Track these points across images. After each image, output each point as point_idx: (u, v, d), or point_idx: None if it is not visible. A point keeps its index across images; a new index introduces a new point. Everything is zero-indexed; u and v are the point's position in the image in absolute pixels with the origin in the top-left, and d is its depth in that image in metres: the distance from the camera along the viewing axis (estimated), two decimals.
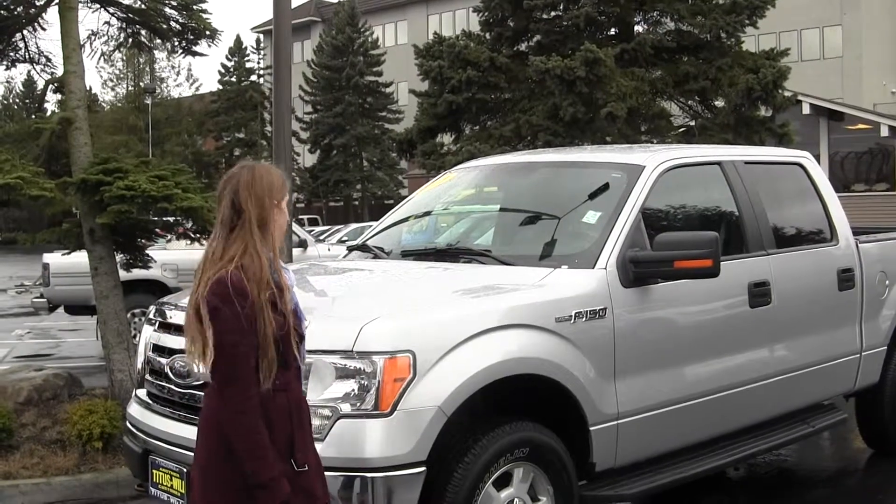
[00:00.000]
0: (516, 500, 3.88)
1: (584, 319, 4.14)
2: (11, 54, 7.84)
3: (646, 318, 4.45)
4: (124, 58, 49.21)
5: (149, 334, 4.37)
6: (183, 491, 3.83)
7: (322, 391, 3.53)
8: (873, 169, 25.94)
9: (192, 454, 3.69)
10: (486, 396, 3.78)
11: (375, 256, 5.25)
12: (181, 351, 3.71)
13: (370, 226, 6.98)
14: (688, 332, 4.71)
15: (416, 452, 3.56)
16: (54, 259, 10.78)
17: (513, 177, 5.70)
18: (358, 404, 3.53)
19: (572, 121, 14.99)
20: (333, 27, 47.94)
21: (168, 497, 3.93)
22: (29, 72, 56.78)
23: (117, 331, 6.99)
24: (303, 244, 12.23)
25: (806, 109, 23.70)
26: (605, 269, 4.32)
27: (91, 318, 10.61)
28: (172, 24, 7.93)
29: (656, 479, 4.47)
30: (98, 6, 7.72)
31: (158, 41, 8.49)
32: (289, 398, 2.87)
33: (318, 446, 3.11)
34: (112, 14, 7.85)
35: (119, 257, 7.23)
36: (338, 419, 3.52)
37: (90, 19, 31.24)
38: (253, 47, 52.54)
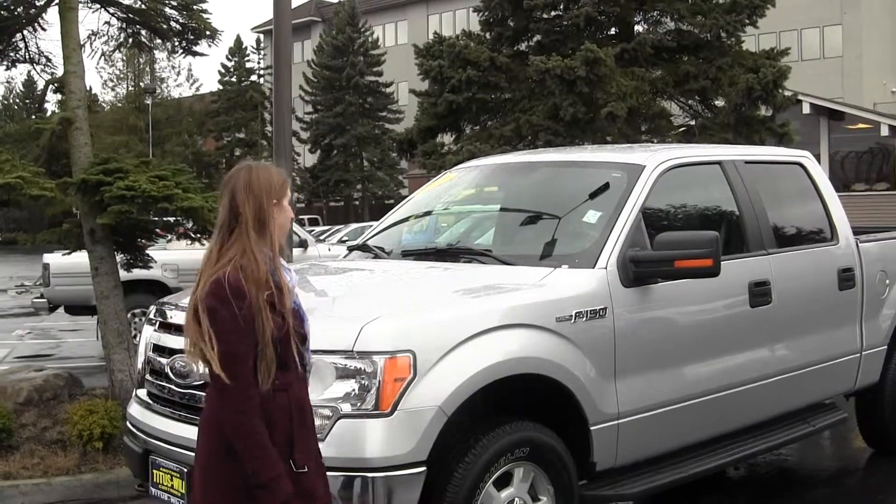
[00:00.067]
0: (517, 499, 3.88)
1: (584, 319, 4.14)
2: (12, 54, 7.84)
3: (646, 318, 4.45)
4: (124, 58, 49.23)
5: (149, 334, 4.37)
6: (183, 491, 3.83)
7: (322, 391, 3.52)
8: (873, 168, 25.93)
9: (192, 454, 3.70)
10: (486, 396, 3.78)
11: (376, 256, 5.25)
12: (181, 351, 3.71)
13: (370, 226, 6.98)
14: (688, 331, 4.71)
15: (416, 452, 3.56)
16: (55, 259, 10.79)
17: (513, 176, 5.70)
18: (358, 404, 3.53)
19: (572, 120, 15.00)
20: (334, 27, 47.94)
21: (168, 497, 3.93)
22: (29, 72, 56.87)
23: (118, 331, 6.99)
24: (303, 244, 12.22)
25: (806, 109, 23.70)
26: (606, 268, 4.32)
27: (91, 318, 10.61)
28: (172, 24, 7.93)
29: (657, 478, 4.47)
30: (98, 6, 7.72)
31: (158, 41, 8.49)
32: (290, 398, 2.86)
33: (319, 446, 3.11)
34: (112, 14, 7.85)
35: (119, 257, 7.23)
36: (338, 419, 3.52)
37: (90, 19, 31.27)
38: (253, 47, 52.59)
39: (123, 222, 6.63)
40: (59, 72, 7.47)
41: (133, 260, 7.40)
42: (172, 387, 4.05)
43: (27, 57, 7.92)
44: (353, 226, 25.68)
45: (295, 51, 46.49)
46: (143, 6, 7.82)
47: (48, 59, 7.99)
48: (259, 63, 52.27)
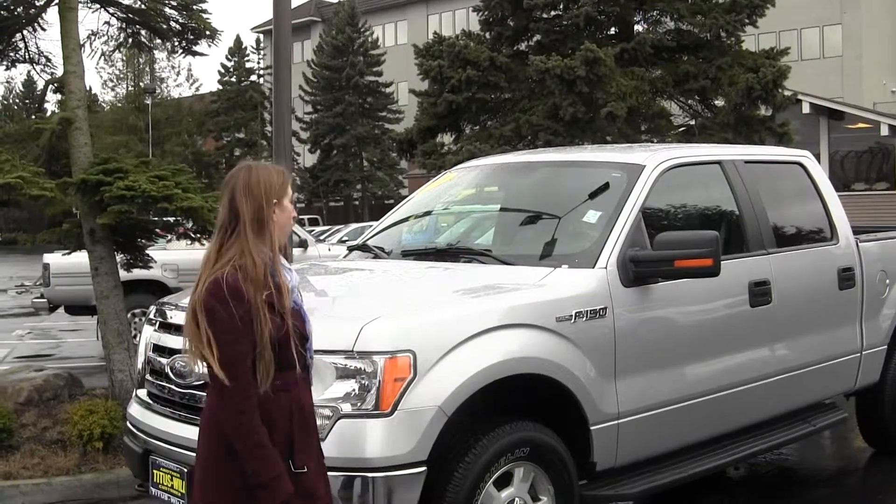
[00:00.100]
0: (517, 499, 3.88)
1: (584, 319, 4.14)
2: (11, 54, 7.84)
3: (646, 318, 4.45)
4: (124, 58, 49.26)
5: (149, 334, 4.37)
6: (183, 491, 3.83)
7: (323, 391, 3.52)
8: (873, 168, 25.93)
9: (192, 454, 3.70)
10: (486, 396, 3.78)
11: (376, 256, 5.25)
12: (181, 351, 3.70)
13: (370, 226, 6.98)
14: (688, 331, 4.71)
15: (416, 452, 3.56)
16: (55, 259, 10.79)
17: (513, 176, 5.70)
18: (358, 404, 3.53)
19: (572, 120, 15.00)
20: (333, 27, 47.93)
21: (168, 497, 3.93)
22: (29, 72, 56.86)
23: (118, 331, 6.99)
24: (303, 244, 12.23)
25: (806, 109, 23.70)
26: (606, 268, 4.32)
27: (91, 318, 10.61)
28: (172, 24, 7.93)
29: (657, 478, 4.47)
30: (98, 6, 7.71)
31: (158, 41, 8.49)
32: (291, 399, 2.86)
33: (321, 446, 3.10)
34: (112, 14, 7.85)
35: (119, 257, 7.22)
36: (338, 419, 3.52)
37: (90, 19, 31.26)
38: (253, 47, 52.60)
39: (123, 222, 6.63)
40: (59, 72, 7.47)
41: (133, 260, 7.40)
42: (172, 387, 4.05)
43: (27, 57, 7.92)
44: (353, 226, 25.69)
45: (295, 51, 46.49)
46: (143, 6, 7.82)
47: (48, 59, 7.99)
48: (259, 63, 52.30)
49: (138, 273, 8.13)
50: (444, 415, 3.60)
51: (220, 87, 51.56)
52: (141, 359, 4.46)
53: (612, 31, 16.82)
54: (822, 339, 5.49)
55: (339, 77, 46.44)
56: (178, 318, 4.10)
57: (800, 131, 17.28)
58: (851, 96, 33.51)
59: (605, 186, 4.82)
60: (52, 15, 7.38)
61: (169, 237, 8.83)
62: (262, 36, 52.70)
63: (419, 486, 3.58)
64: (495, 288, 4.16)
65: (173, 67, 55.89)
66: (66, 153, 7.14)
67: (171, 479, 3.91)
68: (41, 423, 6.55)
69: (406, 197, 6.40)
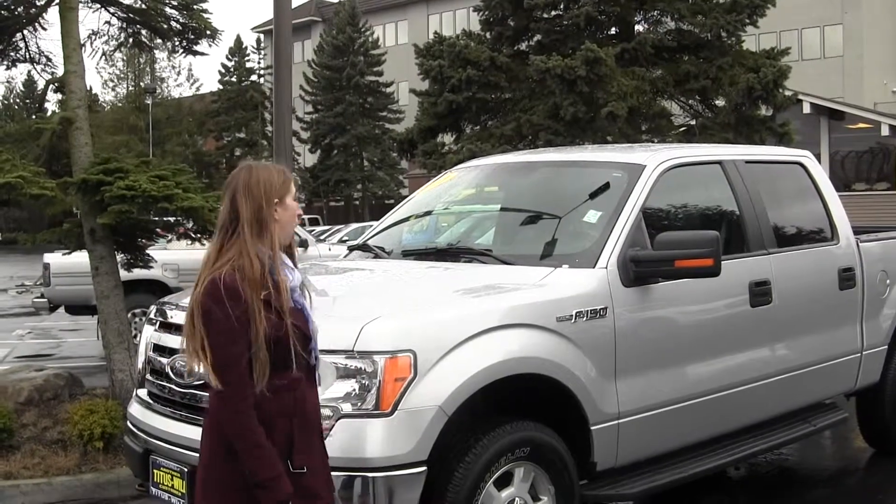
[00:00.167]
0: (517, 499, 3.88)
1: (584, 319, 4.14)
2: (12, 54, 7.84)
3: (647, 318, 4.45)
4: (125, 58, 49.24)
5: (149, 334, 4.37)
6: (184, 491, 3.83)
7: (323, 391, 3.51)
8: (874, 168, 25.92)
9: (192, 454, 3.70)
10: (486, 396, 3.78)
11: (376, 256, 5.25)
12: (181, 351, 3.71)
13: (371, 226, 6.98)
14: (689, 331, 4.71)
15: (416, 452, 3.56)
16: (55, 259, 10.78)
17: (513, 176, 5.70)
18: (359, 404, 3.53)
19: (573, 120, 15.00)
20: (334, 27, 47.94)
21: (169, 497, 3.93)
22: (29, 72, 56.87)
23: (118, 331, 6.99)
24: (303, 244, 12.23)
25: (806, 109, 23.69)
26: (606, 268, 4.32)
27: (92, 318, 10.61)
28: (173, 23, 7.93)
29: (657, 478, 4.47)
30: (98, 6, 7.71)
31: (159, 41, 8.49)
32: (293, 399, 2.86)
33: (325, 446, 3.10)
34: (112, 14, 7.85)
35: (120, 257, 7.22)
36: (339, 419, 3.52)
37: (91, 19, 31.31)
38: (253, 47, 52.56)
39: (124, 222, 6.63)
40: (60, 71, 7.47)
41: (133, 260, 7.39)
42: (173, 386, 4.05)
43: (27, 57, 7.92)
44: (354, 226, 25.70)
45: (295, 51, 46.50)
46: (144, 6, 7.82)
47: (48, 59, 7.99)
48: (259, 63, 52.26)
49: (139, 273, 8.13)
50: (444, 415, 3.60)
51: (221, 87, 51.54)
52: (141, 358, 4.46)
53: (613, 30, 16.83)
54: (822, 339, 5.49)
55: (340, 77, 46.44)
56: (178, 317, 4.11)
57: (800, 131, 17.28)
58: (852, 96, 33.50)
59: (606, 186, 4.82)
60: (52, 15, 7.38)
61: (169, 237, 8.83)
62: (262, 36, 52.69)
63: (419, 485, 3.58)
64: (496, 288, 4.16)
65: (174, 67, 55.82)
66: (67, 153, 7.14)
67: (172, 479, 3.91)
68: (41, 423, 6.55)
69: (406, 197, 6.40)
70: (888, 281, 6.07)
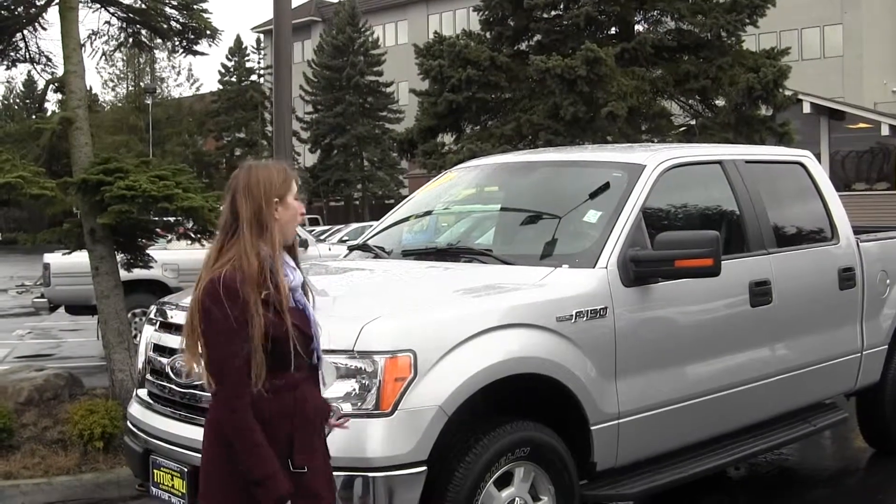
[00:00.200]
0: (517, 499, 3.88)
1: (584, 319, 4.13)
2: (12, 54, 7.84)
3: (647, 318, 4.45)
4: (125, 58, 49.24)
5: (150, 334, 4.37)
6: (184, 490, 3.82)
7: (323, 391, 3.51)
8: (874, 168, 25.93)
9: (192, 454, 3.70)
10: (486, 396, 3.78)
11: (376, 256, 5.25)
12: (181, 350, 3.71)
13: (371, 225, 6.98)
14: (689, 331, 4.71)
15: (416, 452, 3.56)
16: (55, 259, 10.79)
17: (513, 176, 5.70)
18: (359, 404, 3.53)
19: (573, 120, 15.00)
20: (334, 27, 47.93)
21: (169, 497, 3.93)
22: (29, 72, 56.86)
23: (118, 330, 6.99)
24: (303, 244, 12.22)
25: (806, 108, 23.70)
26: (606, 268, 4.32)
27: (92, 317, 10.61)
28: (173, 23, 7.92)
29: (657, 478, 4.47)
30: (98, 6, 7.71)
31: (159, 41, 8.48)
32: (293, 399, 2.86)
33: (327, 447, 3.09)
34: (112, 14, 7.85)
35: (120, 257, 7.22)
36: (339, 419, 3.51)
37: (91, 19, 31.28)
38: (253, 47, 52.56)
39: (124, 222, 6.63)
40: (60, 71, 7.47)
41: (133, 260, 7.40)
42: (173, 386, 4.05)
43: (27, 56, 7.92)
44: (354, 225, 25.69)
45: (295, 50, 46.49)
46: (144, 6, 7.82)
47: (48, 59, 7.99)
48: (259, 63, 52.26)
49: (139, 273, 8.13)
50: (444, 414, 3.60)
51: (221, 87, 51.54)
52: (141, 358, 4.46)
53: (613, 30, 16.83)
54: (822, 339, 5.49)
55: (340, 77, 46.44)
56: (178, 317, 4.11)
57: (800, 131, 17.28)
58: (852, 96, 33.51)
59: (606, 186, 4.82)
60: (52, 14, 7.38)
61: (169, 237, 8.83)
62: (262, 36, 52.68)
63: (420, 485, 3.58)
64: (496, 288, 4.16)
65: (174, 67, 55.80)
66: (67, 153, 7.14)
67: (172, 479, 3.91)
68: (41, 423, 6.55)
69: (406, 197, 6.40)
70: (888, 281, 6.07)
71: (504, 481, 3.85)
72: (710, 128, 15.42)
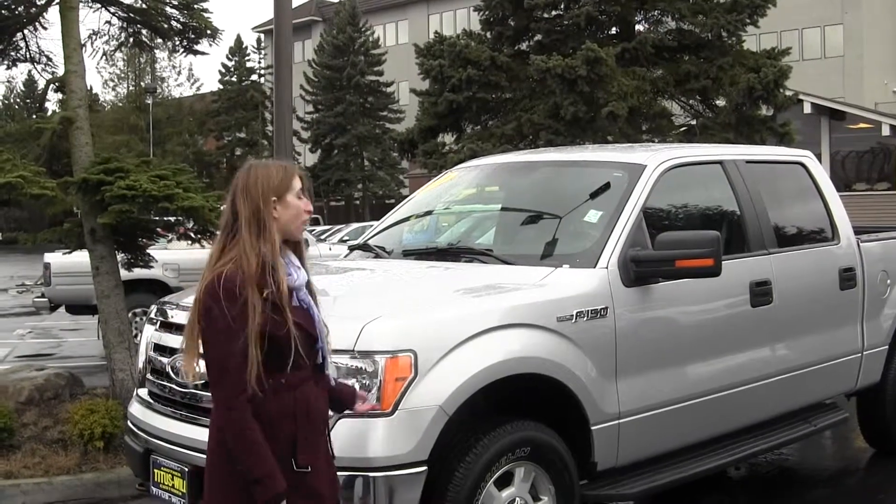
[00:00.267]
0: (518, 499, 3.88)
1: (585, 319, 4.13)
2: (12, 54, 7.84)
3: (647, 318, 4.45)
4: (125, 57, 49.35)
5: (150, 333, 4.37)
6: (184, 490, 3.82)
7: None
8: (875, 168, 25.93)
9: (193, 454, 3.70)
10: (487, 396, 3.78)
11: (377, 256, 5.25)
12: (181, 350, 3.71)
13: (371, 225, 6.98)
14: (689, 331, 4.70)
15: (417, 452, 3.56)
16: (55, 259, 10.79)
17: (514, 176, 5.70)
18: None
19: (573, 120, 15.00)
20: (334, 27, 47.94)
21: (169, 496, 3.93)
22: (30, 71, 56.86)
23: (118, 330, 6.99)
24: (304, 243, 12.21)
25: (807, 109, 23.69)
26: (607, 268, 4.32)
27: (92, 317, 10.61)
28: (173, 23, 7.93)
29: (657, 478, 4.47)
30: (99, 6, 7.71)
31: (159, 40, 8.49)
32: (296, 398, 2.86)
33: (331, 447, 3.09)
34: (113, 14, 7.85)
35: (120, 257, 7.23)
36: (339, 419, 3.51)
37: (91, 19, 31.31)
38: (254, 47, 52.58)
39: (124, 222, 6.63)
40: (60, 71, 7.47)
41: (134, 259, 7.40)
42: (174, 386, 4.05)
43: (28, 56, 7.92)
44: (354, 225, 25.69)
45: (295, 50, 46.49)
46: (144, 6, 7.82)
47: (49, 59, 7.99)
48: (260, 62, 52.29)
49: (139, 272, 8.13)
50: (444, 414, 3.60)
51: (221, 87, 51.57)
52: (142, 358, 4.46)
53: (614, 30, 16.83)
54: (823, 339, 5.49)
55: (340, 77, 46.45)
56: (178, 317, 4.11)
57: (801, 131, 17.27)
58: (853, 96, 33.50)
59: (607, 186, 4.82)
60: (53, 14, 7.39)
61: (170, 237, 8.83)
62: (262, 35, 52.69)
63: (420, 485, 3.58)
64: (496, 288, 4.16)
65: (174, 67, 55.91)
66: (67, 152, 7.14)
67: (172, 479, 3.91)
68: (42, 423, 6.55)
69: (407, 196, 6.41)
70: (889, 281, 6.07)
71: (504, 481, 3.85)
72: (711, 128, 15.42)
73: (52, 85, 7.65)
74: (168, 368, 4.07)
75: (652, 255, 4.38)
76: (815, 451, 6.76)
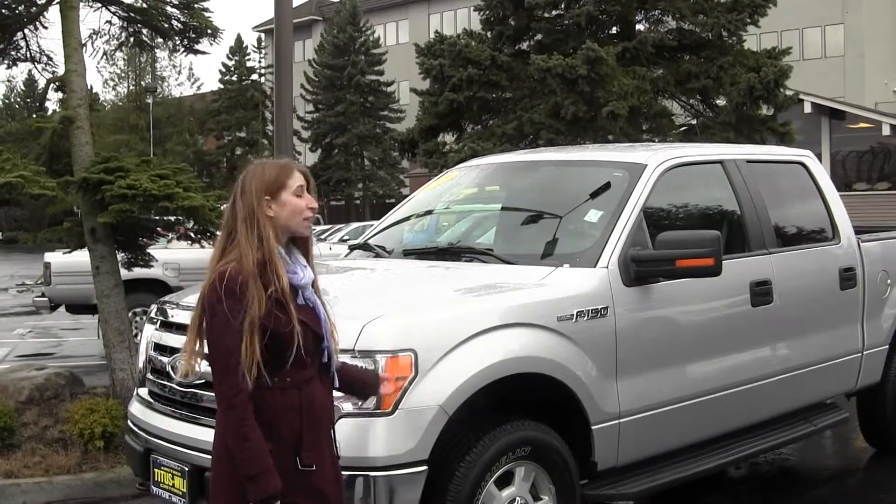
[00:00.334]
0: (518, 499, 3.87)
1: (585, 318, 4.13)
2: (13, 53, 7.84)
3: (647, 317, 4.44)
4: (126, 57, 49.34)
5: (150, 333, 4.37)
6: (185, 490, 3.82)
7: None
8: (875, 168, 25.93)
9: (193, 453, 3.71)
10: (488, 395, 3.78)
11: (377, 255, 5.25)
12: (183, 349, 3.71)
13: (371, 225, 6.97)
14: (689, 330, 4.70)
15: (417, 451, 3.56)
16: (56, 258, 10.80)
17: (514, 176, 5.70)
18: (360, 403, 3.53)
19: (574, 119, 14.99)
20: (335, 26, 47.93)
21: (170, 496, 3.93)
22: (30, 71, 56.94)
23: (119, 330, 6.99)
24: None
25: (807, 108, 23.70)
26: (607, 267, 4.32)
27: (92, 317, 10.62)
28: (174, 22, 7.93)
29: (658, 478, 4.47)
30: (99, 5, 7.71)
31: (160, 40, 8.49)
32: (300, 397, 2.86)
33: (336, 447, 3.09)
34: (113, 13, 7.85)
35: (120, 256, 7.23)
36: (340, 418, 3.51)
37: (91, 18, 31.18)
38: (254, 46, 52.58)
39: (124, 221, 6.64)
40: (61, 70, 7.47)
41: (134, 259, 7.40)
42: (174, 385, 4.05)
43: (28, 55, 7.92)
44: (354, 225, 25.71)
45: (296, 50, 46.47)
46: (145, 5, 7.82)
47: (49, 58, 8.00)
48: (260, 62, 52.28)
49: (139, 272, 8.14)
50: (445, 414, 3.60)
51: (222, 86, 51.58)
52: (142, 357, 4.46)
53: (614, 30, 16.81)
54: (823, 338, 5.49)
55: (341, 76, 46.45)
56: (179, 316, 4.11)
57: (801, 131, 17.27)
58: (853, 96, 33.49)
59: (607, 186, 4.82)
60: (53, 14, 7.41)
61: (170, 236, 8.84)
62: (263, 35, 52.68)
63: (420, 485, 3.58)
64: (497, 287, 4.16)
65: (174, 66, 55.83)
66: (68, 152, 7.14)
67: (173, 478, 3.91)
68: (42, 422, 6.55)
69: (407, 196, 6.40)
70: (889, 281, 6.07)
71: (505, 481, 3.85)
72: (711, 127, 15.41)
73: (52, 84, 7.65)
74: (168, 368, 4.07)
75: (652, 255, 4.38)
76: (815, 451, 6.76)
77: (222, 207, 6.60)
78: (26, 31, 7.75)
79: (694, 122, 16.44)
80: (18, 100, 63.78)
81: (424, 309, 3.91)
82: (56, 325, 14.67)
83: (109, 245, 7.01)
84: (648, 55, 15.58)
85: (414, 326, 3.71)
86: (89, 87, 8.79)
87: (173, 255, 10.66)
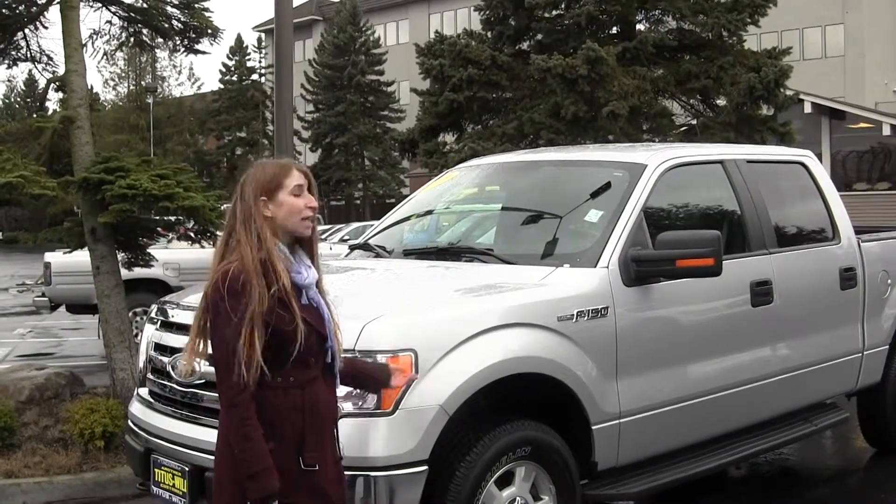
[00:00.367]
0: (518, 499, 3.88)
1: (585, 318, 4.13)
2: (13, 53, 7.85)
3: (648, 317, 4.45)
4: (126, 57, 49.32)
5: (151, 333, 4.38)
6: (185, 490, 3.83)
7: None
8: (875, 168, 25.92)
9: (194, 453, 3.71)
10: (488, 395, 3.78)
11: (377, 255, 5.25)
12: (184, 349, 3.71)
13: (372, 225, 6.97)
14: (690, 330, 4.70)
15: (418, 451, 3.56)
16: (56, 258, 10.80)
17: (515, 176, 5.70)
18: (360, 403, 3.53)
19: (574, 119, 14.99)
20: (335, 26, 47.94)
21: (170, 496, 3.93)
22: (30, 71, 56.96)
23: (119, 329, 6.99)
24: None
25: (808, 108, 23.69)
26: (608, 267, 4.32)
27: (93, 316, 10.62)
28: (174, 22, 7.93)
29: (658, 478, 4.47)
30: (100, 5, 7.72)
31: (160, 40, 8.49)
32: (303, 396, 2.87)
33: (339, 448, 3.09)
34: (114, 13, 7.85)
35: (121, 256, 7.23)
36: (340, 418, 3.51)
37: (92, 18, 31.21)
38: (254, 46, 52.57)
39: (125, 221, 6.64)
40: (61, 70, 7.47)
41: (134, 258, 7.40)
42: (174, 385, 4.05)
43: (29, 55, 7.92)
44: (355, 225, 25.70)
45: (296, 50, 46.49)
46: (145, 5, 7.82)
47: (50, 58, 8.00)
48: (260, 62, 52.28)
49: (140, 272, 8.14)
50: (445, 414, 3.60)
51: (222, 86, 51.57)
52: (142, 357, 4.46)
53: (614, 30, 16.81)
54: (823, 338, 5.49)
55: (341, 76, 46.45)
56: (179, 316, 4.12)
57: (801, 131, 17.28)
58: (853, 96, 33.49)
59: (607, 186, 4.82)
60: (53, 14, 7.41)
61: (170, 236, 8.84)
62: (263, 35, 52.68)
63: (421, 485, 3.58)
64: (497, 287, 4.16)
65: (175, 66, 55.81)
66: (68, 152, 7.15)
67: (173, 478, 3.91)
68: (42, 422, 6.55)
69: (407, 196, 6.40)
70: (889, 281, 6.07)
71: (505, 481, 3.85)
72: (712, 127, 15.41)
73: (52, 84, 7.65)
74: (168, 368, 4.07)
75: (653, 255, 4.38)
76: (815, 451, 6.77)
77: (222, 207, 6.60)
78: (26, 30, 7.75)
79: (694, 122, 16.45)
80: (18, 100, 63.80)
81: (425, 309, 3.91)
82: (56, 325, 14.67)
83: (110, 245, 7.01)
84: (648, 55, 15.59)
85: (414, 326, 3.71)
86: (89, 87, 8.80)
87: (173, 255, 10.66)
